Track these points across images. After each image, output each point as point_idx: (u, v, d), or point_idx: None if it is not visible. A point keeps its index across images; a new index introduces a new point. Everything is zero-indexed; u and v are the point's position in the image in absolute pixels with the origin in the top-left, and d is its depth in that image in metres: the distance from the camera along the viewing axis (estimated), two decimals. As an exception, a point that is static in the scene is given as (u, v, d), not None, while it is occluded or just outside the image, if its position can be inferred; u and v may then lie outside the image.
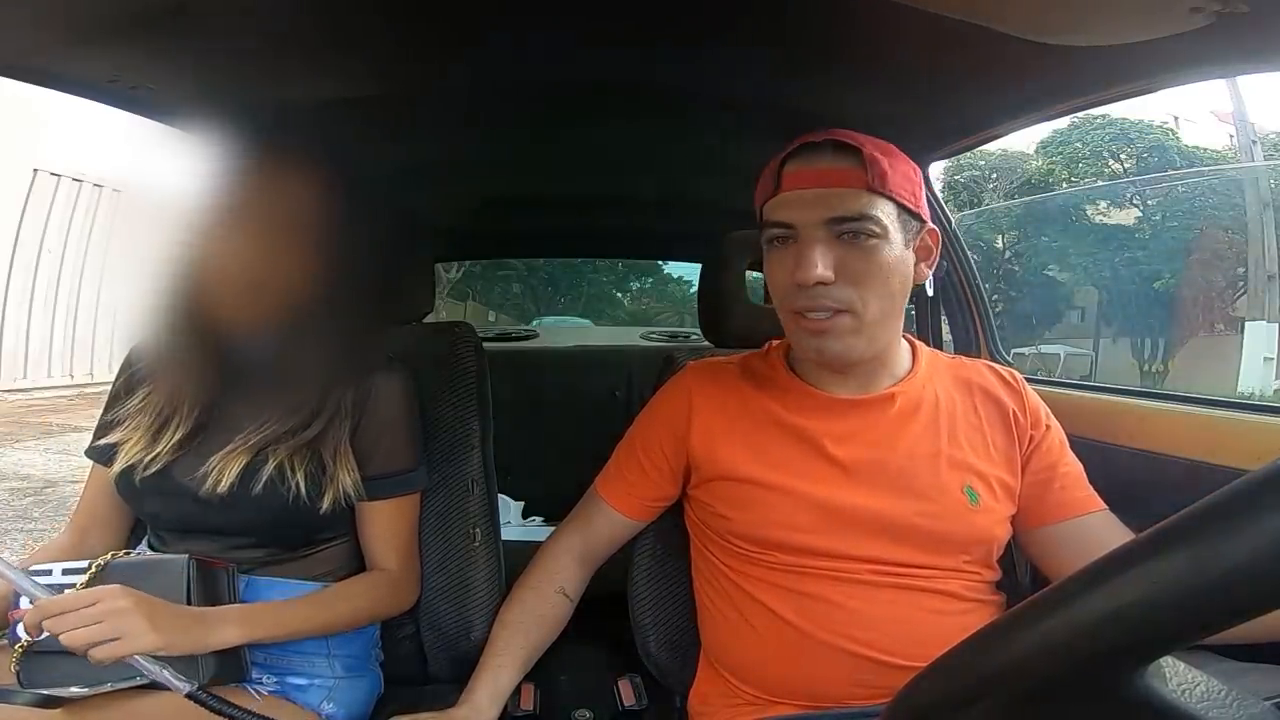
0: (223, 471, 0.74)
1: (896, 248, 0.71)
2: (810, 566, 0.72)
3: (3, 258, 7.43)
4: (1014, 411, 0.77)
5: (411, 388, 0.86)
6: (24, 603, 0.69)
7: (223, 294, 0.75)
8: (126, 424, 0.80)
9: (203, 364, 0.79)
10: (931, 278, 0.80)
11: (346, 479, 0.78)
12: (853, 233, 0.69)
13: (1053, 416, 0.80)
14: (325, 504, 0.77)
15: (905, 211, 0.72)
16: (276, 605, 0.74)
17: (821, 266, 0.68)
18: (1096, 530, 0.73)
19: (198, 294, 0.75)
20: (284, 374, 0.78)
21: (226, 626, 0.69)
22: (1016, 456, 0.76)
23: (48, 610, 0.62)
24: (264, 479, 0.75)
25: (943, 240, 0.79)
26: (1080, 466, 0.77)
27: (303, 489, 0.75)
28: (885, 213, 0.70)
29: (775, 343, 0.85)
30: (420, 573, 0.88)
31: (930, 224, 0.75)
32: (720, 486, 0.78)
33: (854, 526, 0.72)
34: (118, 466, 0.78)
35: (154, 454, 0.77)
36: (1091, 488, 0.76)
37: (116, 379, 0.86)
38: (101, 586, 0.65)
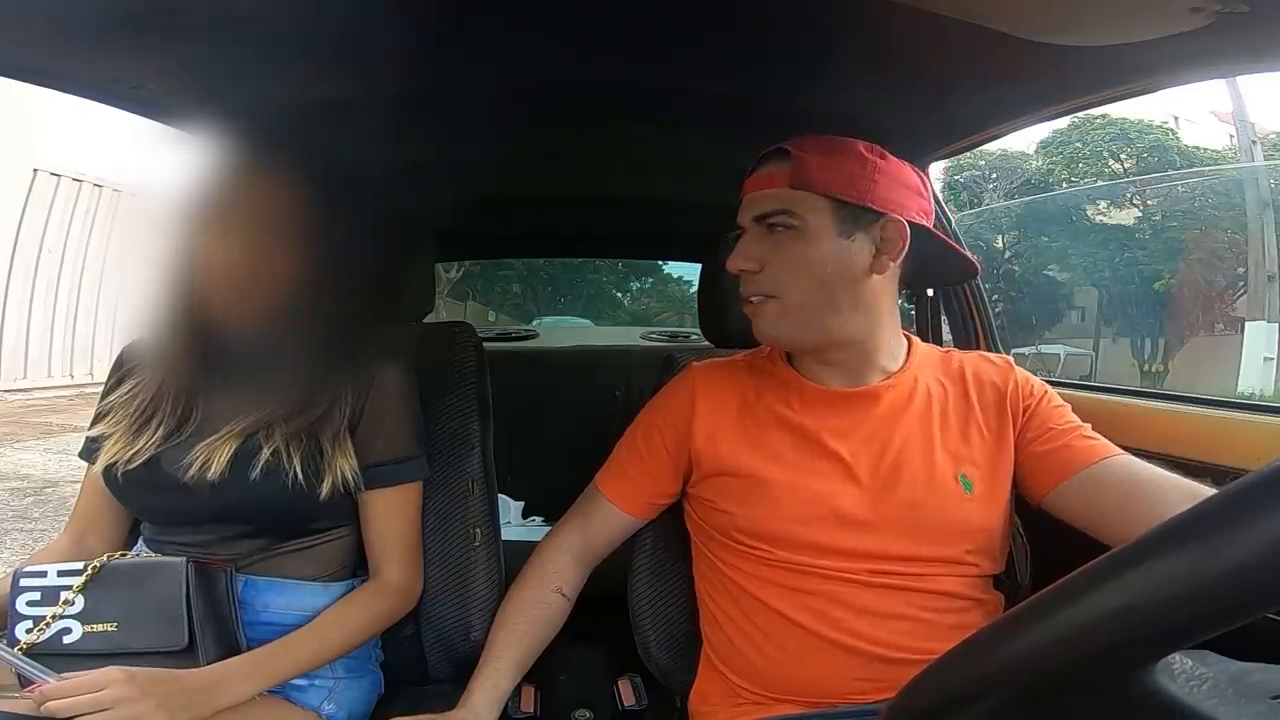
0: (210, 458, 0.74)
1: (824, 240, 0.74)
2: (811, 565, 0.73)
3: (3, 258, 7.42)
4: (1007, 390, 0.79)
5: (411, 377, 0.86)
6: (20, 632, 0.69)
7: (219, 291, 0.75)
8: (110, 418, 0.80)
9: (193, 359, 0.78)
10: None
11: (345, 465, 0.78)
12: (777, 225, 0.75)
13: (1051, 389, 0.80)
14: (324, 490, 0.76)
15: (845, 205, 0.74)
16: (276, 649, 0.74)
17: (743, 259, 0.77)
18: (1128, 469, 0.72)
19: (194, 291, 0.75)
20: (277, 370, 0.78)
21: (235, 684, 0.69)
22: (1010, 436, 0.77)
23: (51, 695, 0.62)
24: (257, 464, 0.74)
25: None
26: (1089, 425, 0.77)
27: (299, 474, 0.75)
28: (810, 207, 0.74)
29: None
30: (422, 572, 0.88)
31: (894, 216, 0.74)
32: (722, 482, 0.78)
33: (854, 520, 0.73)
34: (101, 462, 0.77)
35: (138, 448, 0.77)
36: (1108, 440, 0.75)
37: (109, 378, 0.86)
38: (107, 671, 0.64)
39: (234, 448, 0.75)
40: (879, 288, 0.76)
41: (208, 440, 0.76)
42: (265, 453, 0.75)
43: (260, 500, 0.76)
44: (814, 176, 0.74)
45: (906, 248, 0.75)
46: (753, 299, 0.78)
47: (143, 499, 0.80)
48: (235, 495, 0.75)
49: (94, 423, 0.83)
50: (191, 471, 0.74)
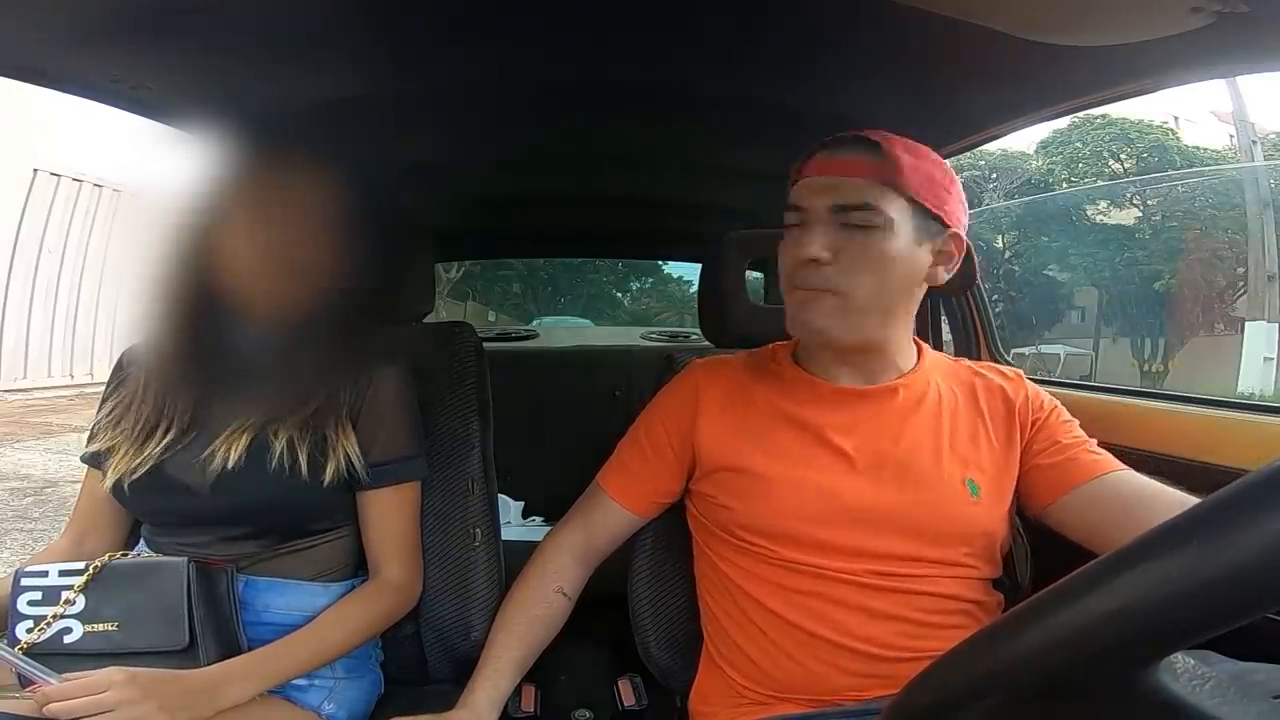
0: (229, 453, 0.74)
1: (902, 243, 0.72)
2: (810, 564, 0.73)
3: (3, 258, 7.43)
4: (1016, 402, 0.78)
5: (409, 377, 0.86)
6: (21, 632, 0.69)
7: (218, 291, 0.75)
8: (116, 427, 0.80)
9: (195, 362, 0.78)
10: None
11: (349, 448, 0.78)
12: (857, 222, 0.71)
13: (1060, 404, 0.80)
14: (329, 476, 0.77)
15: (923, 211, 0.72)
16: (277, 649, 0.74)
17: (818, 246, 0.71)
18: (1131, 485, 0.72)
19: (193, 291, 0.75)
20: (278, 372, 0.78)
21: (236, 685, 0.69)
22: (1017, 446, 0.77)
23: (54, 696, 0.62)
24: (265, 459, 0.75)
25: None
26: (1094, 441, 0.77)
27: (304, 466, 0.75)
28: (895, 207, 0.71)
29: (781, 342, 0.86)
30: (422, 573, 0.88)
31: (956, 230, 0.74)
32: (724, 477, 0.78)
33: (857, 515, 0.73)
34: (110, 475, 0.77)
35: (144, 455, 0.77)
36: (1116, 455, 0.75)
37: (109, 383, 0.86)
38: (109, 672, 0.64)
39: (245, 442, 0.75)
40: (920, 296, 0.77)
41: (219, 438, 0.76)
42: (277, 446, 0.75)
43: (264, 499, 0.76)
44: (905, 176, 0.71)
45: (959, 263, 0.75)
46: (809, 289, 0.73)
47: (147, 503, 0.80)
48: (239, 495, 0.75)
49: (95, 433, 0.82)
50: (212, 468, 0.74)
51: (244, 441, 0.75)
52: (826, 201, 0.72)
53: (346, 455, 0.78)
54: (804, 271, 0.73)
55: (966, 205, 0.77)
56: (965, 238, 0.75)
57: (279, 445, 0.75)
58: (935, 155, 0.75)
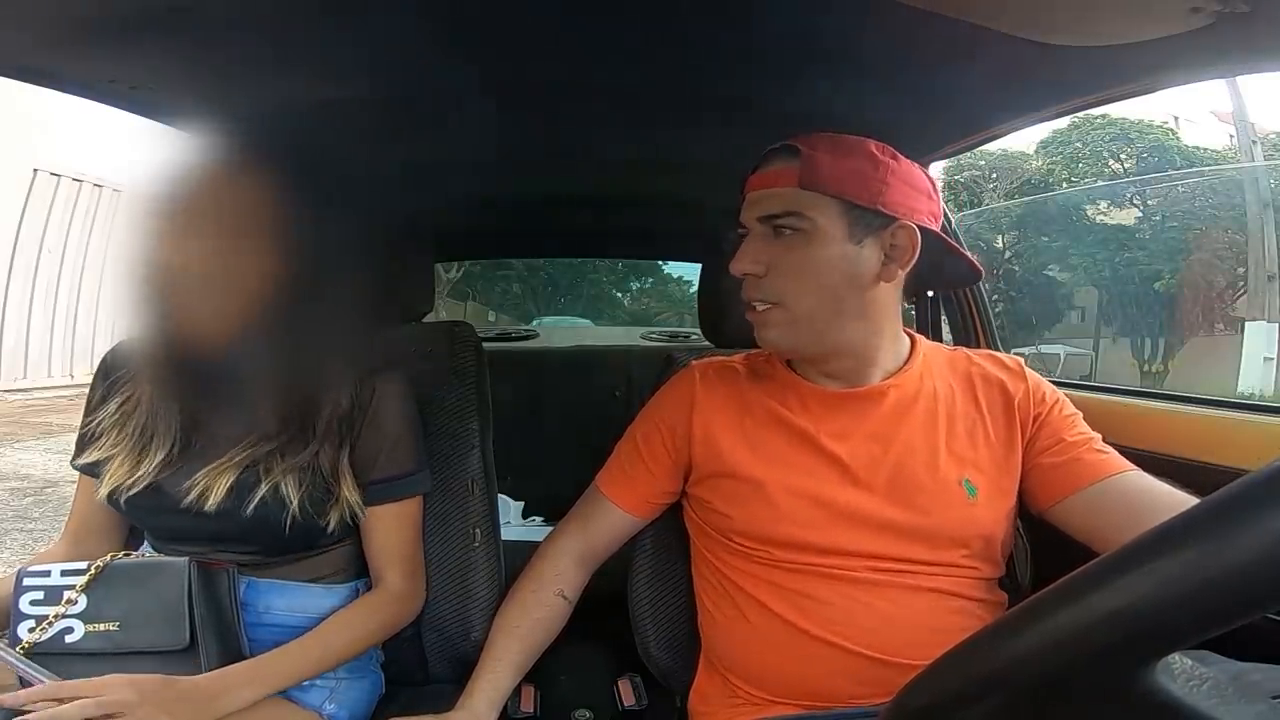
0: (208, 488, 0.73)
1: (834, 244, 0.72)
2: (809, 564, 0.73)
3: (3, 258, 7.43)
4: (1016, 396, 0.77)
5: (410, 392, 0.85)
6: (23, 631, 0.69)
7: (215, 292, 0.73)
8: (106, 440, 0.79)
9: (184, 375, 0.76)
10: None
11: (351, 496, 0.77)
12: (785, 228, 0.73)
13: (1063, 396, 0.79)
14: (333, 523, 0.77)
15: (856, 208, 0.71)
16: (278, 655, 0.73)
17: (748, 261, 0.74)
18: (1137, 487, 0.71)
19: (188, 292, 0.73)
20: (273, 380, 0.76)
21: (237, 690, 0.69)
22: (1018, 443, 0.76)
23: (49, 695, 0.62)
24: (256, 498, 0.73)
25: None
26: (1099, 437, 0.76)
27: (300, 509, 0.74)
28: (820, 209, 0.71)
29: None
30: (424, 581, 0.87)
31: (905, 222, 0.72)
32: (720, 484, 0.78)
33: (853, 521, 0.72)
34: (104, 489, 0.76)
35: (138, 475, 0.75)
36: (1119, 454, 0.74)
37: (94, 386, 0.84)
38: (108, 677, 0.64)
39: (232, 479, 0.74)
40: (885, 294, 0.75)
41: (207, 468, 0.75)
42: (264, 487, 0.74)
43: (263, 528, 0.75)
44: (825, 176, 0.71)
45: (917, 255, 0.72)
46: (756, 305, 0.75)
47: (146, 520, 0.80)
48: (241, 521, 0.74)
49: (88, 441, 0.80)
50: (190, 499, 0.73)
51: (232, 476, 0.74)
52: (755, 214, 0.75)
53: (349, 504, 0.77)
54: (747, 286, 0.76)
55: (932, 194, 0.75)
56: (916, 227, 0.72)
57: (265, 486, 0.74)
58: (874, 148, 0.73)
